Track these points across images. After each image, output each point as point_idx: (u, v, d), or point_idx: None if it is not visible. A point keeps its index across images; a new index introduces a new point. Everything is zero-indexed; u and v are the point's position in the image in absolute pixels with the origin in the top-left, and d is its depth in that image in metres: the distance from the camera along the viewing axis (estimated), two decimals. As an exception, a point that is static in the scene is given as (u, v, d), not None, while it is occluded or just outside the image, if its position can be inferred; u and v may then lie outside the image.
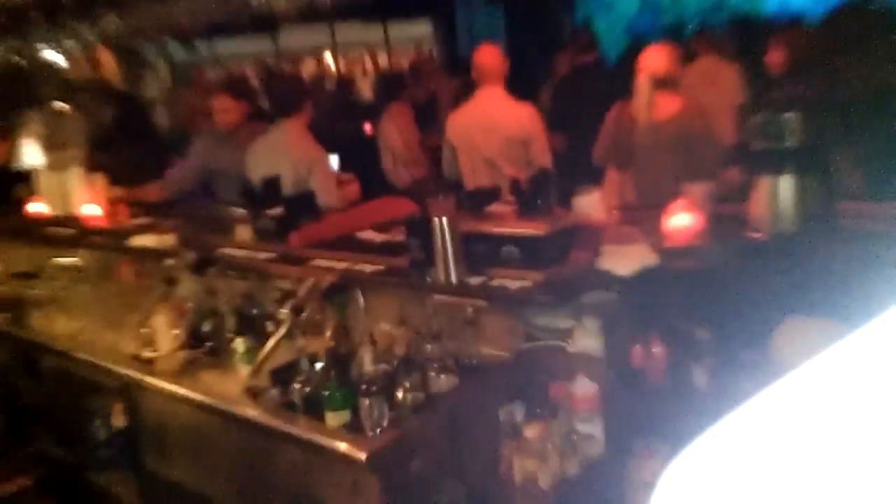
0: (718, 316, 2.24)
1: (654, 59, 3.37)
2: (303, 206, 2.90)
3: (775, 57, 4.63)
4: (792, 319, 2.11)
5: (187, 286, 2.75)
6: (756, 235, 2.39)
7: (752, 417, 0.45)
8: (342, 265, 2.58)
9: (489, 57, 3.91)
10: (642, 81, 3.31)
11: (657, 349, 2.21)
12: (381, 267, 2.53)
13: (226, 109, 4.08)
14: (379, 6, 8.19)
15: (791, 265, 2.28)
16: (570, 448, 2.06)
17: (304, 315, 2.37)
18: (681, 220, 2.45)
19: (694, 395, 2.12)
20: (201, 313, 2.62)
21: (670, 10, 12.59)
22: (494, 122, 3.81)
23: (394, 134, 5.44)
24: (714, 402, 2.09)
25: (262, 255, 2.86)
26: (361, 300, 2.50)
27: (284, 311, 2.40)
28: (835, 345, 0.46)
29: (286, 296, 2.52)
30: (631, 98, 3.40)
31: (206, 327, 2.57)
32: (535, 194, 2.32)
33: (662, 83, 3.32)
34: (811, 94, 3.16)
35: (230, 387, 2.30)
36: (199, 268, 2.78)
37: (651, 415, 2.09)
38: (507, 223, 2.32)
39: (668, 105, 3.33)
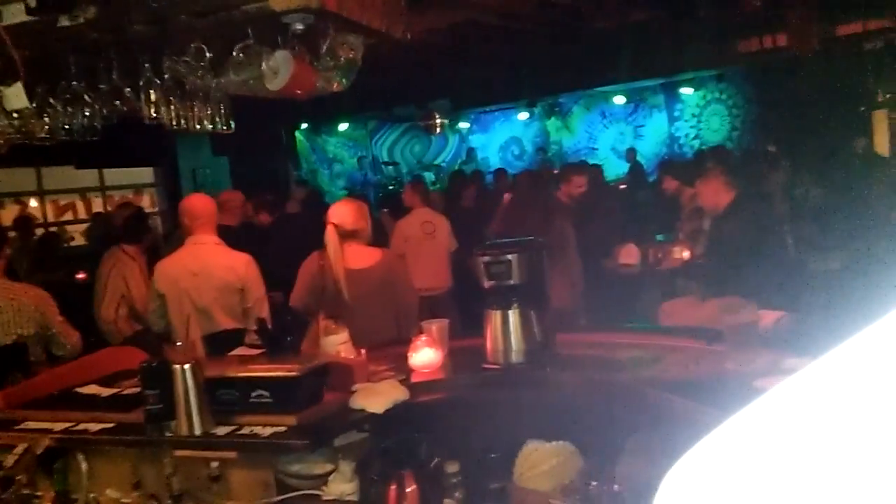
0: (465, 447, 2.32)
1: (340, 213, 3.53)
2: (10, 361, 2.53)
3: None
4: (531, 444, 2.26)
5: None
6: (491, 366, 2.57)
7: (752, 421, 0.46)
8: (61, 426, 2.27)
9: (200, 204, 3.89)
10: (329, 232, 3.45)
11: (410, 488, 2.21)
12: (110, 424, 2.26)
13: None
14: (94, 152, 7.79)
15: (524, 392, 2.47)
16: None
17: (12, 489, 2.02)
18: (425, 355, 2.56)
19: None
20: None
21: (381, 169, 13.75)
22: (207, 269, 3.72)
23: (139, 288, 4.99)
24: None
25: (-45, 423, 2.41)
26: (85, 465, 2.20)
27: (-14, 488, 2.02)
28: (835, 349, 0.46)
29: (-12, 468, 2.14)
30: (324, 249, 3.49)
31: None
32: (283, 334, 2.28)
33: (350, 234, 3.48)
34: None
35: None
36: None
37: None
38: (256, 366, 2.23)
39: (369, 254, 3.54)
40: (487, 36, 6.94)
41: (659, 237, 6.35)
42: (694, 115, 12.55)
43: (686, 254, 5.14)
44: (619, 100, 12.40)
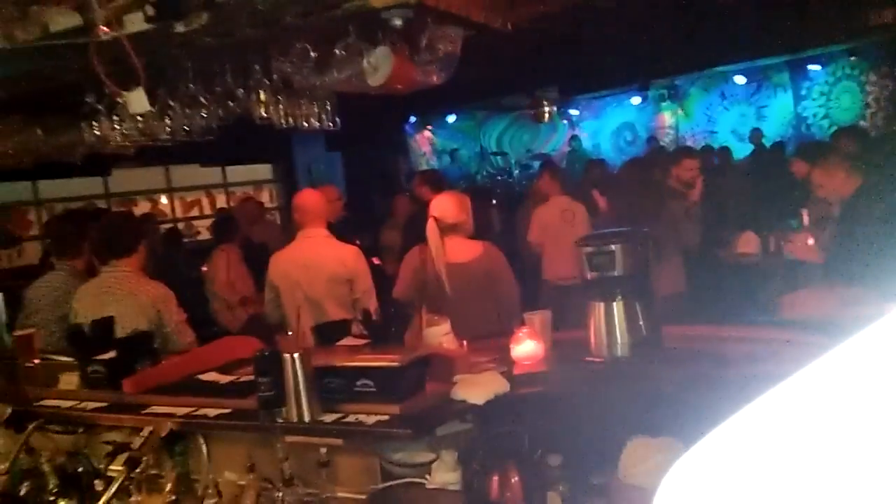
0: (568, 440, 2.29)
1: (441, 206, 3.59)
2: (139, 349, 2.72)
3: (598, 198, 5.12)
4: (636, 440, 2.20)
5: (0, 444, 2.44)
6: (595, 359, 2.52)
7: (753, 421, 0.45)
8: (183, 411, 2.41)
9: (310, 200, 4.03)
10: (431, 226, 3.51)
11: (514, 479, 2.21)
12: (227, 410, 2.38)
13: None
14: (217, 151, 8.23)
15: (628, 386, 2.41)
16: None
17: (139, 469, 2.16)
18: (526, 347, 2.54)
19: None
20: (17, 475, 2.31)
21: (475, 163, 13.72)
22: (317, 261, 3.84)
23: (220, 276, 5.46)
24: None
25: (91, 405, 2.61)
26: (205, 448, 2.33)
27: (117, 467, 2.18)
28: (835, 349, 0.45)
29: (119, 449, 2.30)
30: (426, 243, 3.55)
31: (24, 490, 2.27)
32: (387, 325, 2.33)
33: (451, 228, 3.53)
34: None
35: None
36: (15, 423, 2.49)
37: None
38: (361, 356, 2.29)
39: (470, 247, 3.56)
40: (597, 19, 6.76)
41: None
42: (823, 93, 11.75)
43: (811, 242, 4.83)
44: (740, 79, 11.79)
